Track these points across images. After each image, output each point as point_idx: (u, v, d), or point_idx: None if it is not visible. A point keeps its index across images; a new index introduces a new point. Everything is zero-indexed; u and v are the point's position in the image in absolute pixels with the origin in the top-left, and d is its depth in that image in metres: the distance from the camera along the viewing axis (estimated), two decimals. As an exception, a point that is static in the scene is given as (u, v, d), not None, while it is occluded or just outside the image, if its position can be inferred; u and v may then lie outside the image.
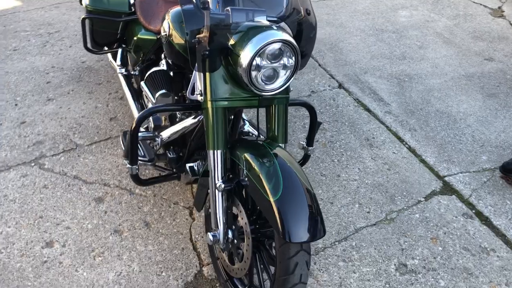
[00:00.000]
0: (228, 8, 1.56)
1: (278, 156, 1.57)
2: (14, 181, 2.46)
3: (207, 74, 1.57)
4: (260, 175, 1.50)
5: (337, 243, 2.18)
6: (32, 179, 2.48)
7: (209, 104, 1.57)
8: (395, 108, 3.20)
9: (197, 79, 1.64)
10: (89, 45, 2.69)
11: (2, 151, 2.68)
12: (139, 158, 1.97)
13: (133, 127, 1.70)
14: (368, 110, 3.17)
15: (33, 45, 3.91)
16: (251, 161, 1.54)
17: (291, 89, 1.90)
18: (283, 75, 1.56)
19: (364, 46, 4.06)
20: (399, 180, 2.57)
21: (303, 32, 1.69)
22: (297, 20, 1.71)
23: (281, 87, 1.57)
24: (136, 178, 1.86)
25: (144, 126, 2.17)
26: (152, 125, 2.08)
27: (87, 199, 2.36)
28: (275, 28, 1.51)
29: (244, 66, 1.46)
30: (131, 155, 1.77)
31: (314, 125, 2.03)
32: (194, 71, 1.66)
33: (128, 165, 1.79)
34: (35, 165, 2.57)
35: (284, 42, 1.48)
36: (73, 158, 2.62)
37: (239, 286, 1.88)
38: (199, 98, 1.63)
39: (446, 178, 2.60)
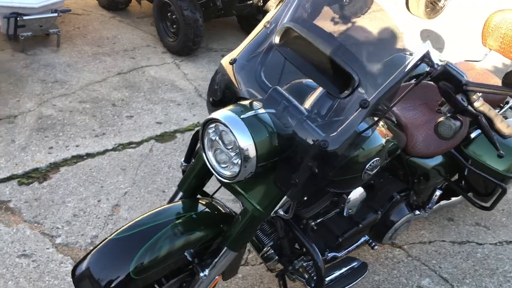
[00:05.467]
0: (276, 88, 1.44)
1: (176, 226, 1.48)
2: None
3: None
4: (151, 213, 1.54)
5: None
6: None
7: None
8: None
9: None
10: None
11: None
12: None
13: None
14: None
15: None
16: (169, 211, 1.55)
17: (281, 213, 1.53)
18: (230, 168, 1.38)
19: None
20: None
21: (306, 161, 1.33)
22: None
23: (222, 177, 1.42)
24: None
25: None
26: None
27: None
28: (246, 117, 1.33)
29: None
30: (186, 153, 1.82)
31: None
32: None
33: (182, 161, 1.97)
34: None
35: (230, 131, 1.31)
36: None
37: None
38: None
39: None
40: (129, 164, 2.81)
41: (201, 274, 1.56)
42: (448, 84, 1.26)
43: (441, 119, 1.31)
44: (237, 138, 1.30)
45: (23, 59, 3.84)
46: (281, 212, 1.50)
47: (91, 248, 1.47)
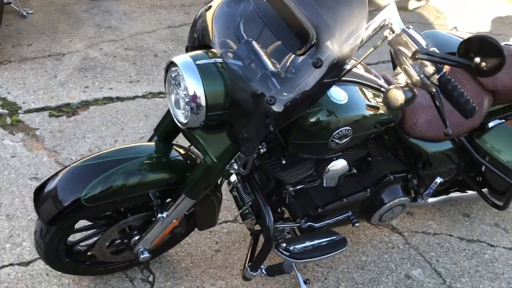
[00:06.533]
0: (249, 40, 1.42)
1: (136, 159, 1.55)
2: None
3: None
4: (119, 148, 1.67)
5: None
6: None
7: None
8: None
9: None
10: None
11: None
12: None
13: None
14: None
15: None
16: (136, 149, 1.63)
17: (235, 167, 1.50)
18: (185, 114, 1.39)
19: None
20: None
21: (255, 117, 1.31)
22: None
23: (178, 123, 1.42)
24: None
25: None
26: None
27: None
28: (202, 63, 1.33)
29: None
30: None
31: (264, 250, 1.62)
32: None
33: None
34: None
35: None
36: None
37: None
38: None
39: None
40: (153, 112, 2.91)
41: (159, 215, 1.62)
42: (404, 50, 1.16)
43: (391, 87, 1.21)
44: (187, 83, 1.30)
45: (86, 3, 4.07)
46: (235, 166, 1.48)
47: (54, 173, 1.57)
